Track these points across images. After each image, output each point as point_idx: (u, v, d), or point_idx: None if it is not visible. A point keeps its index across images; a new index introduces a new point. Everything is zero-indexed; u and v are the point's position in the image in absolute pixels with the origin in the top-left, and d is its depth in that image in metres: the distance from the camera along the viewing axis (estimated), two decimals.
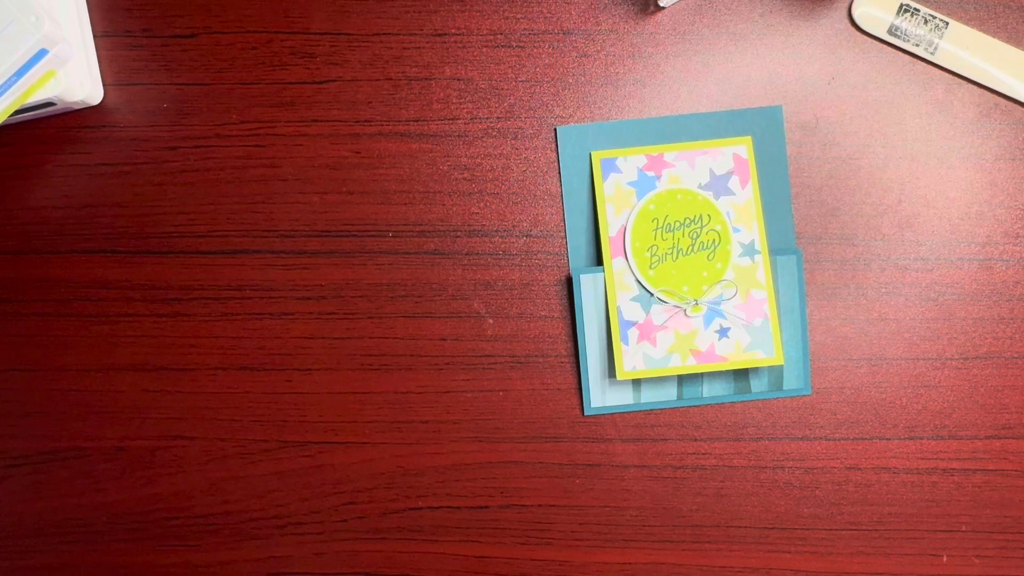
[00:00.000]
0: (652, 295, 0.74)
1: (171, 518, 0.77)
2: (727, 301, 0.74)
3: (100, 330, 0.77)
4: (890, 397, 0.76)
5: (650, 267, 0.74)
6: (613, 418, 0.76)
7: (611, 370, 0.75)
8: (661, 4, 0.75)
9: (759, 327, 0.74)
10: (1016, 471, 0.76)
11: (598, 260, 0.76)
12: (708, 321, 0.74)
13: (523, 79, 0.76)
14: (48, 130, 0.77)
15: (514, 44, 0.76)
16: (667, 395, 0.76)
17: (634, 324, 0.74)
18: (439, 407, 0.76)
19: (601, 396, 0.76)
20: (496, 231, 0.76)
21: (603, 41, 0.76)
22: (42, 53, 0.68)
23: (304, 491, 0.77)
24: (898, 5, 0.75)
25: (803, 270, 0.76)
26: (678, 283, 0.74)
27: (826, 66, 0.76)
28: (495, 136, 0.76)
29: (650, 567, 0.76)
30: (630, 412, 0.76)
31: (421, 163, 0.76)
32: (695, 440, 0.76)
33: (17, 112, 0.73)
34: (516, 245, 0.76)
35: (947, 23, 0.75)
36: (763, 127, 0.76)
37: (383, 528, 0.77)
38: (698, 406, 0.76)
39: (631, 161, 0.75)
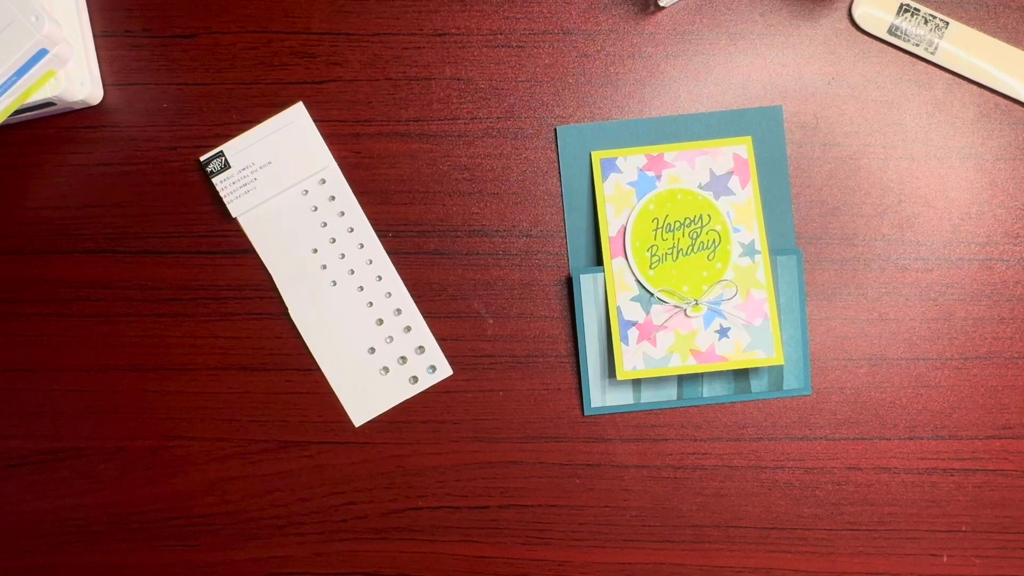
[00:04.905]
0: (652, 295, 0.74)
1: (171, 518, 0.77)
2: (727, 301, 0.74)
3: (100, 330, 0.77)
4: (890, 397, 0.76)
5: (650, 267, 0.74)
6: (613, 418, 0.76)
7: (611, 370, 0.75)
8: (661, 4, 0.76)
9: (759, 327, 0.74)
10: (1016, 471, 0.76)
11: (598, 260, 0.76)
12: (708, 321, 0.74)
13: (523, 79, 0.76)
14: (48, 130, 0.77)
15: (514, 44, 0.76)
16: (667, 395, 0.76)
17: (634, 324, 0.74)
18: (439, 407, 0.76)
19: (601, 396, 0.76)
20: (496, 231, 0.76)
21: (603, 41, 0.76)
22: (42, 53, 0.68)
23: (304, 491, 0.77)
24: (898, 5, 0.75)
25: (803, 270, 0.76)
26: (678, 283, 0.74)
27: (826, 66, 0.76)
28: (495, 136, 0.76)
29: (650, 567, 0.76)
30: (630, 412, 0.76)
31: (421, 163, 0.76)
32: (695, 440, 0.76)
33: (17, 112, 0.73)
34: (516, 245, 0.76)
35: (947, 23, 0.75)
36: (763, 127, 0.76)
37: (383, 528, 0.77)
38: (698, 406, 0.76)
39: (631, 161, 0.75)
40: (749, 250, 0.75)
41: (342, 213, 0.76)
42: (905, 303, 0.76)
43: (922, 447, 0.76)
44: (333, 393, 0.76)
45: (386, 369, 0.76)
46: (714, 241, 0.75)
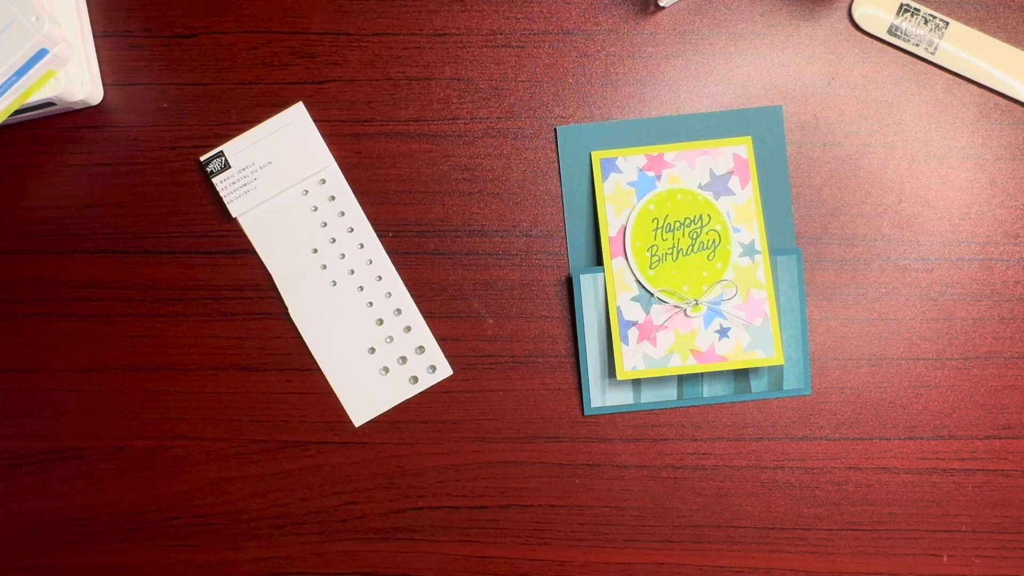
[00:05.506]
0: (652, 295, 0.74)
1: (171, 518, 0.77)
2: (727, 301, 0.74)
3: (100, 330, 0.77)
4: (890, 397, 0.76)
5: (650, 267, 0.74)
6: (613, 418, 0.76)
7: (611, 370, 0.75)
8: (661, 4, 0.76)
9: (759, 327, 0.74)
10: (1016, 471, 0.76)
11: (598, 260, 0.76)
12: (708, 321, 0.74)
13: (523, 79, 0.76)
14: (48, 130, 0.77)
15: (514, 44, 0.76)
16: (667, 395, 0.76)
17: (634, 324, 0.74)
18: (439, 407, 0.76)
19: (601, 396, 0.76)
20: (496, 231, 0.76)
21: (603, 41, 0.76)
22: (42, 53, 0.68)
23: (304, 491, 0.77)
24: (898, 5, 0.75)
25: (803, 270, 0.76)
26: (678, 283, 0.74)
27: (826, 66, 0.76)
28: (495, 136, 0.76)
29: (650, 567, 0.76)
30: (630, 412, 0.76)
31: (421, 163, 0.76)
32: (695, 440, 0.76)
33: (17, 112, 0.73)
34: (516, 245, 0.76)
35: (947, 23, 0.75)
36: (763, 127, 0.76)
37: (383, 528, 0.77)
38: (698, 406, 0.76)
39: (631, 161, 0.75)
40: (749, 250, 0.75)
41: (342, 213, 0.76)
42: (905, 303, 0.76)
43: (922, 447, 0.76)
44: (333, 393, 0.76)
45: (386, 369, 0.76)
46: (714, 241, 0.75)
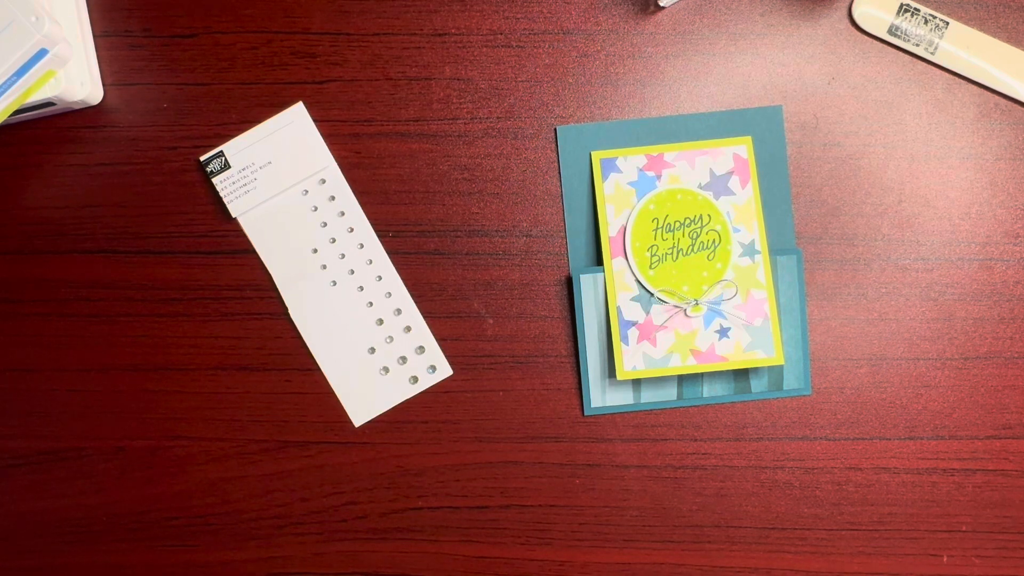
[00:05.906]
0: (652, 295, 0.74)
1: (171, 518, 0.77)
2: (727, 301, 0.74)
3: (100, 330, 0.77)
4: (890, 397, 0.76)
5: (650, 267, 0.74)
6: (613, 418, 0.76)
7: (611, 370, 0.75)
8: (661, 4, 0.76)
9: (759, 327, 0.74)
10: (1016, 471, 0.76)
11: (598, 260, 0.76)
12: (708, 321, 0.74)
13: (523, 79, 0.76)
14: (48, 130, 0.77)
15: (514, 44, 0.76)
16: (667, 395, 0.76)
17: (634, 324, 0.74)
18: (439, 407, 0.76)
19: (601, 396, 0.76)
20: (496, 231, 0.76)
21: (603, 41, 0.76)
22: (42, 53, 0.68)
23: (304, 491, 0.77)
24: (898, 5, 0.75)
25: (803, 270, 0.76)
26: (678, 283, 0.74)
27: (826, 66, 0.76)
28: (495, 136, 0.76)
29: (650, 567, 0.76)
30: (630, 412, 0.76)
31: (421, 163, 0.76)
32: (695, 440, 0.76)
33: (17, 112, 0.73)
34: (516, 245, 0.76)
35: (947, 23, 0.75)
36: (763, 127, 0.76)
37: (383, 528, 0.77)
38: (698, 406, 0.76)
39: (631, 161, 0.75)
40: (749, 250, 0.75)
41: (342, 213, 0.76)
42: (905, 303, 0.76)
43: (922, 447, 0.76)
44: (333, 393, 0.76)
45: (386, 369, 0.76)
46: (714, 241, 0.75)
